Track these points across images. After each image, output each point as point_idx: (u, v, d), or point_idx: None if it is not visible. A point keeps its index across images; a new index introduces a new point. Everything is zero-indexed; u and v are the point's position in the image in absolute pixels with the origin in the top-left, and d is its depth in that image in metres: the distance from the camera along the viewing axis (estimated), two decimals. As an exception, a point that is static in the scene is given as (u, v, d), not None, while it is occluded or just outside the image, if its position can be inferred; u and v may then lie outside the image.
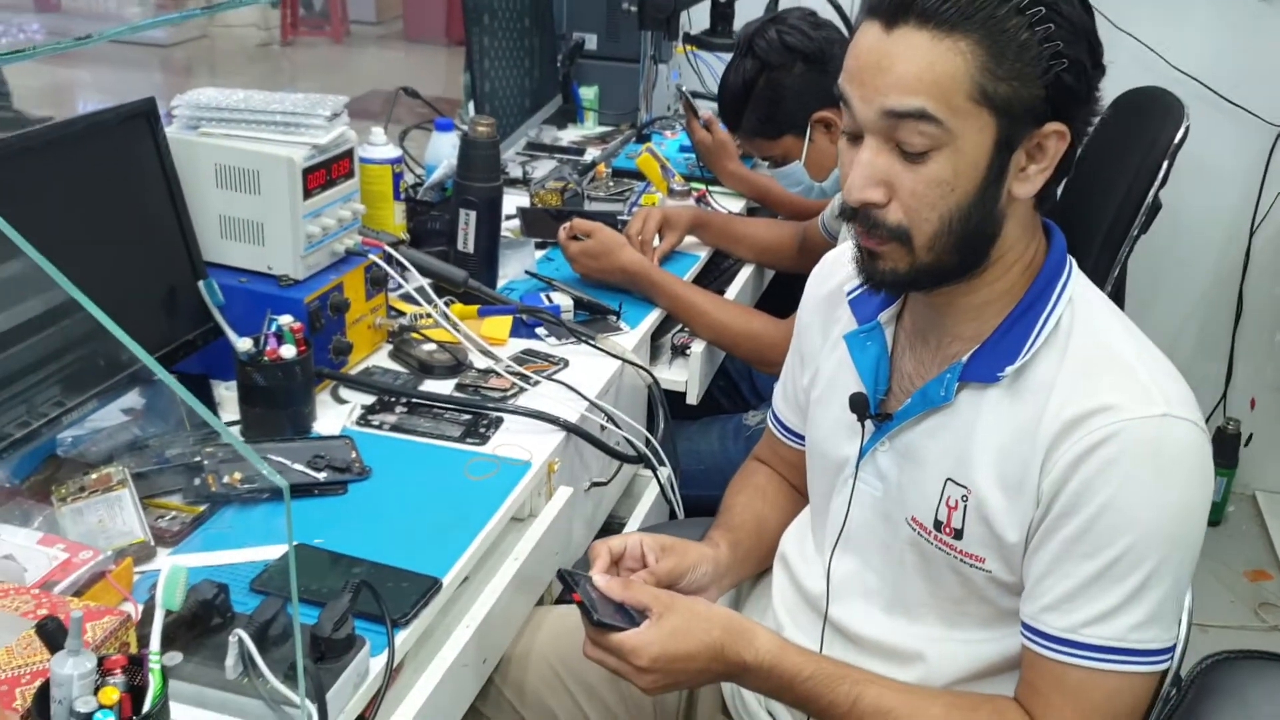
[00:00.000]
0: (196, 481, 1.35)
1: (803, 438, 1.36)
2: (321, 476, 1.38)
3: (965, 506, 1.09)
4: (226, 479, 1.35)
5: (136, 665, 0.92)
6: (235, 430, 1.47)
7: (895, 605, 1.18)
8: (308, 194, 1.53)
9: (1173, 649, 1.05)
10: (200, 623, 1.07)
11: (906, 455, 1.15)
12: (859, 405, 1.16)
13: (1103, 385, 1.03)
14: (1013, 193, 1.05)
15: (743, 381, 2.32)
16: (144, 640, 1.03)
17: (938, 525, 1.11)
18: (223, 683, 1.02)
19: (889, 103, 1.00)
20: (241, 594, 1.18)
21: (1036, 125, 1.02)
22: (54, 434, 1.33)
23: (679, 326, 1.97)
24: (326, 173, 1.56)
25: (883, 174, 1.03)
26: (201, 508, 1.33)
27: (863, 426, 1.17)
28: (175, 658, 1.04)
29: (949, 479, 1.10)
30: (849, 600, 1.21)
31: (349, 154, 1.60)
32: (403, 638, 1.15)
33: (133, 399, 1.51)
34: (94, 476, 1.32)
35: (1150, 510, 1.00)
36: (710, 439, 2.01)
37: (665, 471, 1.68)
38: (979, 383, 1.09)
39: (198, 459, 1.38)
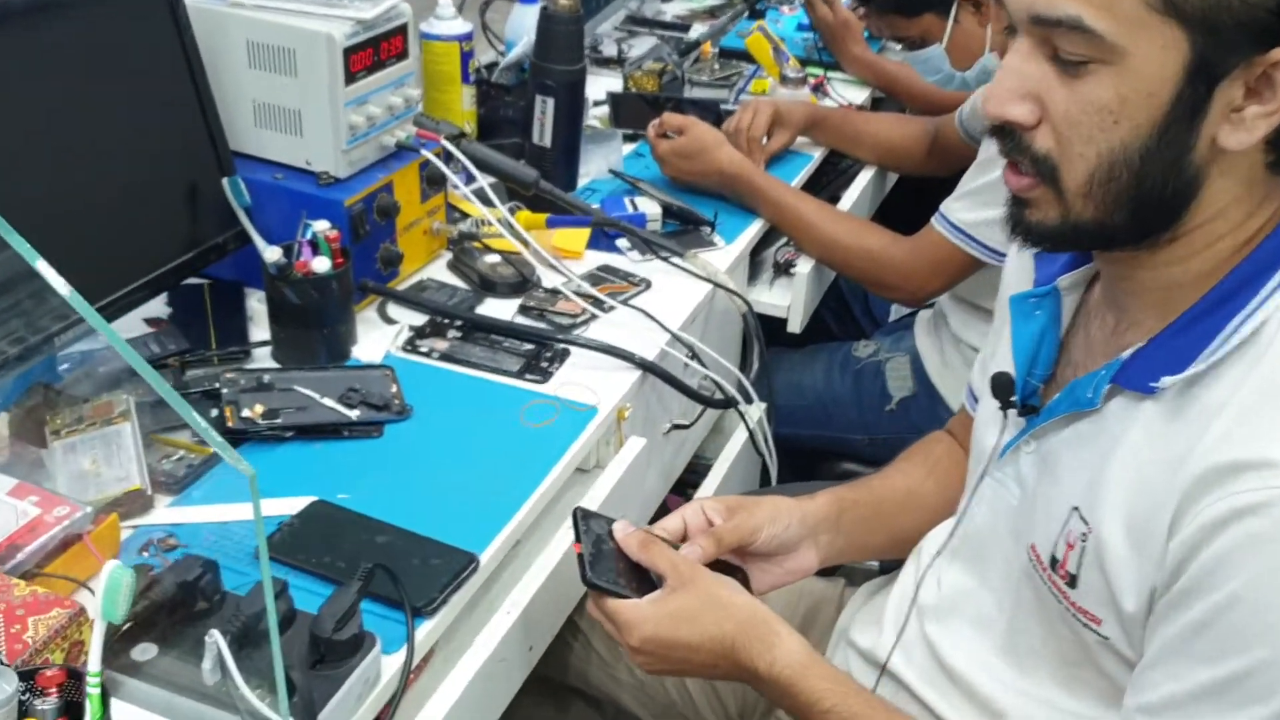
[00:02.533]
0: (213, 413, 1.17)
1: None
2: (354, 415, 1.18)
3: (1083, 548, 0.83)
4: (247, 412, 1.16)
5: (78, 680, 0.74)
6: (266, 352, 1.29)
7: (1009, 647, 0.94)
8: (351, 78, 1.30)
9: None
10: (183, 607, 0.90)
11: (1046, 464, 0.90)
12: (1000, 389, 0.91)
13: (1274, 431, 0.74)
14: (1219, 141, 0.75)
15: (855, 302, 2.05)
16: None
17: (1054, 563, 0.86)
18: (199, 689, 0.84)
19: (1037, 6, 0.75)
20: (249, 557, 1.00)
21: (1258, 49, 0.73)
22: (51, 354, 1.15)
23: (783, 240, 1.72)
24: (374, 52, 1.32)
25: (1033, 86, 0.78)
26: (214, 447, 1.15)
27: (1004, 416, 0.92)
28: (148, 651, 0.87)
29: (1075, 508, 0.84)
30: (954, 622, 0.98)
31: (402, 30, 1.36)
32: (427, 630, 0.96)
33: (158, 306, 1.34)
34: (92, 405, 1.15)
35: None
36: (814, 371, 1.77)
37: (756, 412, 1.45)
38: (1133, 391, 0.82)
39: (215, 385, 1.20)
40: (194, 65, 1.25)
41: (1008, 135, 0.81)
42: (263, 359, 1.29)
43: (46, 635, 0.78)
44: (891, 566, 1.16)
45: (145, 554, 1.01)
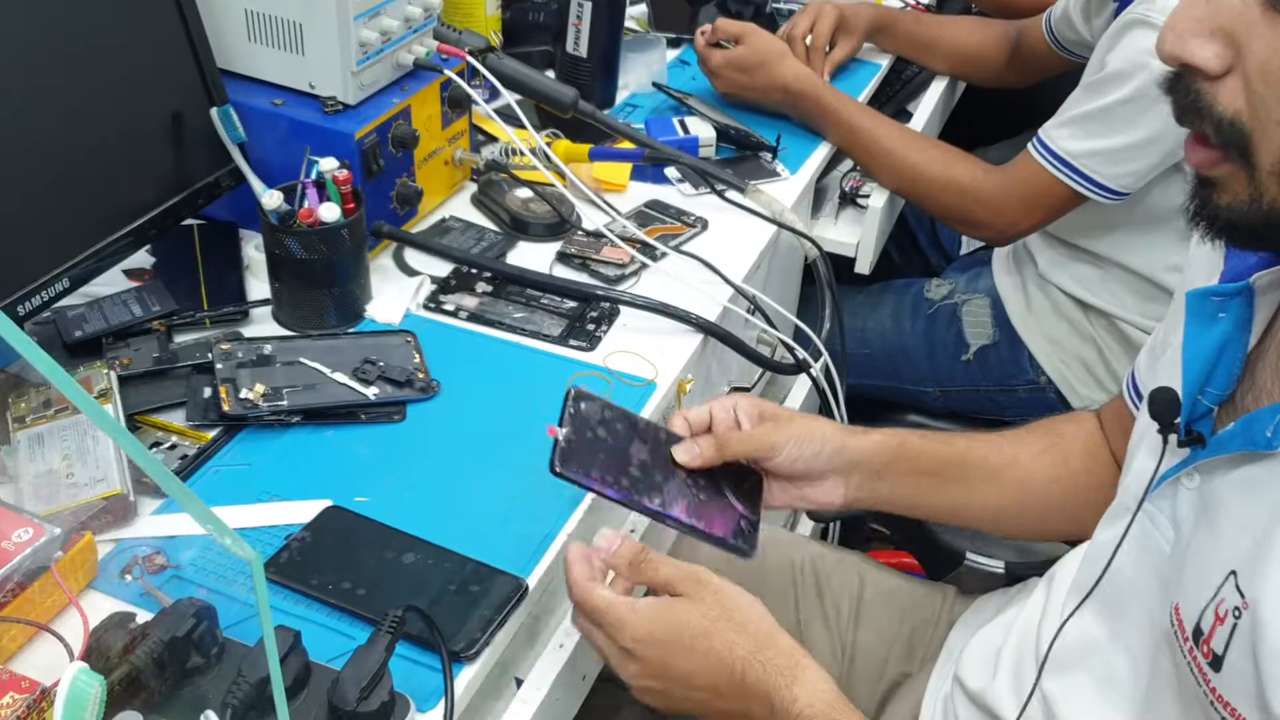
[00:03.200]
0: (207, 393, 1.00)
1: None
2: (371, 393, 1.01)
3: (1235, 626, 0.65)
4: (245, 392, 0.99)
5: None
6: (265, 311, 1.11)
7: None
8: (361, -16, 1.09)
9: None
10: (174, 664, 0.73)
11: (1207, 509, 0.71)
12: (1161, 407, 0.73)
13: None
14: None
15: (921, 231, 1.84)
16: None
17: (1197, 635, 0.68)
18: (195, 776, 0.69)
19: None
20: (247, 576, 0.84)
21: None
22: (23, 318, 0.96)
23: (850, 165, 1.52)
24: (388, -47, 1.12)
25: (1227, 21, 0.60)
26: (210, 434, 0.98)
27: (1164, 442, 0.74)
28: (132, 722, 0.71)
29: (1232, 573, 0.66)
30: (1079, 677, 0.81)
31: (420, -75, 1.15)
32: (468, 679, 0.80)
33: (140, 255, 1.16)
34: (66, 384, 0.97)
35: None
36: (880, 315, 1.58)
37: (822, 362, 1.26)
38: None
39: (208, 358, 1.02)
40: (172, -30, 1.04)
41: (1182, 88, 0.63)
42: (262, 318, 1.11)
43: (0, 731, 0.62)
44: (1020, 574, 0.99)
45: (128, 578, 0.84)
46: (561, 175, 1.24)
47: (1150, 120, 1.23)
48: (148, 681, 0.72)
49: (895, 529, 1.13)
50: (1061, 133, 1.31)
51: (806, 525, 1.37)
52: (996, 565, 1.07)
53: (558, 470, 0.81)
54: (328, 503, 0.91)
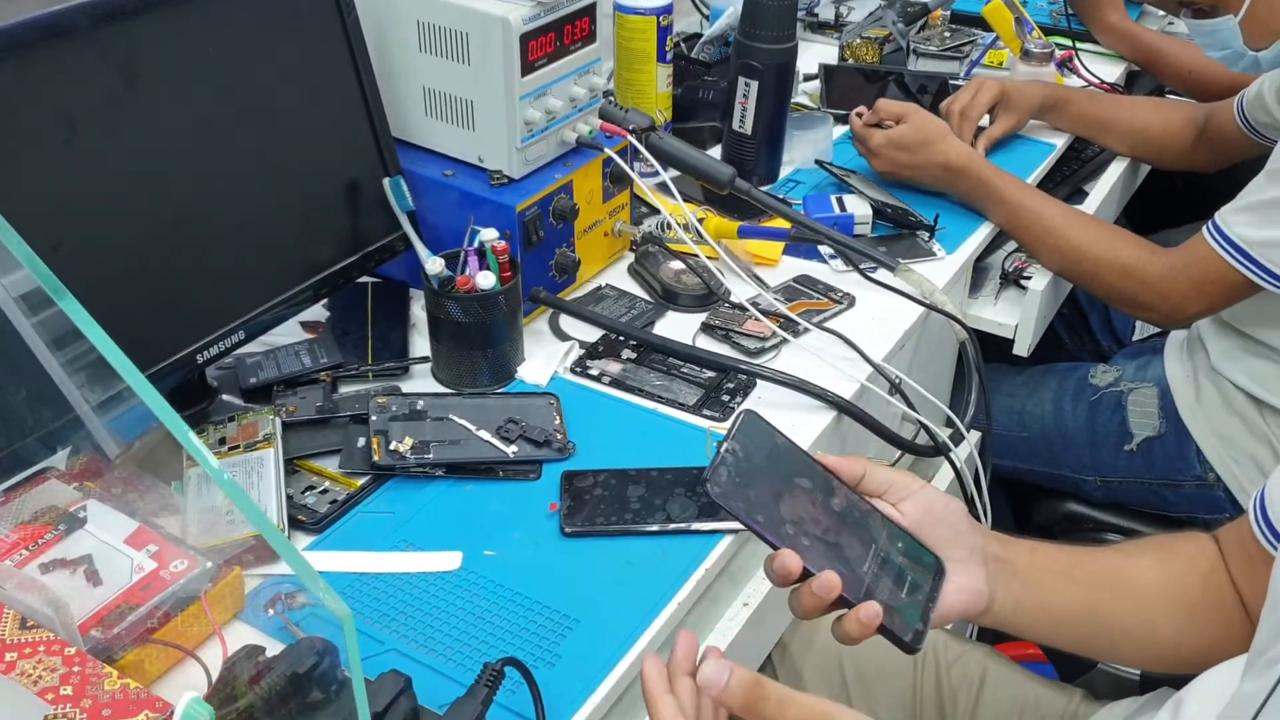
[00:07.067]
0: (360, 443, 1.08)
1: None
2: (511, 451, 1.06)
3: None
4: (395, 444, 1.06)
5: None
6: (425, 367, 1.19)
7: None
8: (528, 67, 1.16)
9: None
10: (295, 697, 0.79)
11: None
12: None
13: None
14: None
15: (1094, 313, 1.79)
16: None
17: None
18: (302, 801, 0.74)
19: None
20: (386, 620, 0.90)
21: None
22: (205, 363, 1.06)
23: (1013, 245, 1.50)
24: (556, 38, 1.18)
25: None
26: (360, 481, 1.05)
27: None
28: (250, 755, 0.77)
29: None
30: None
31: (589, 10, 1.21)
32: (565, 738, 0.83)
33: (317, 310, 1.25)
34: (239, 425, 1.07)
35: None
36: (1040, 399, 1.54)
37: (968, 447, 1.24)
38: None
39: (366, 409, 1.10)
40: (357, 54, 1.14)
41: None
42: (422, 374, 1.19)
43: (131, 746, 0.69)
44: (1154, 682, 0.94)
45: (270, 611, 0.91)
46: (714, 249, 1.27)
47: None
48: (270, 712, 0.78)
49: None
50: (1239, 218, 1.26)
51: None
52: (1131, 672, 1.03)
53: (567, 532, 0.98)
54: (458, 554, 0.97)
